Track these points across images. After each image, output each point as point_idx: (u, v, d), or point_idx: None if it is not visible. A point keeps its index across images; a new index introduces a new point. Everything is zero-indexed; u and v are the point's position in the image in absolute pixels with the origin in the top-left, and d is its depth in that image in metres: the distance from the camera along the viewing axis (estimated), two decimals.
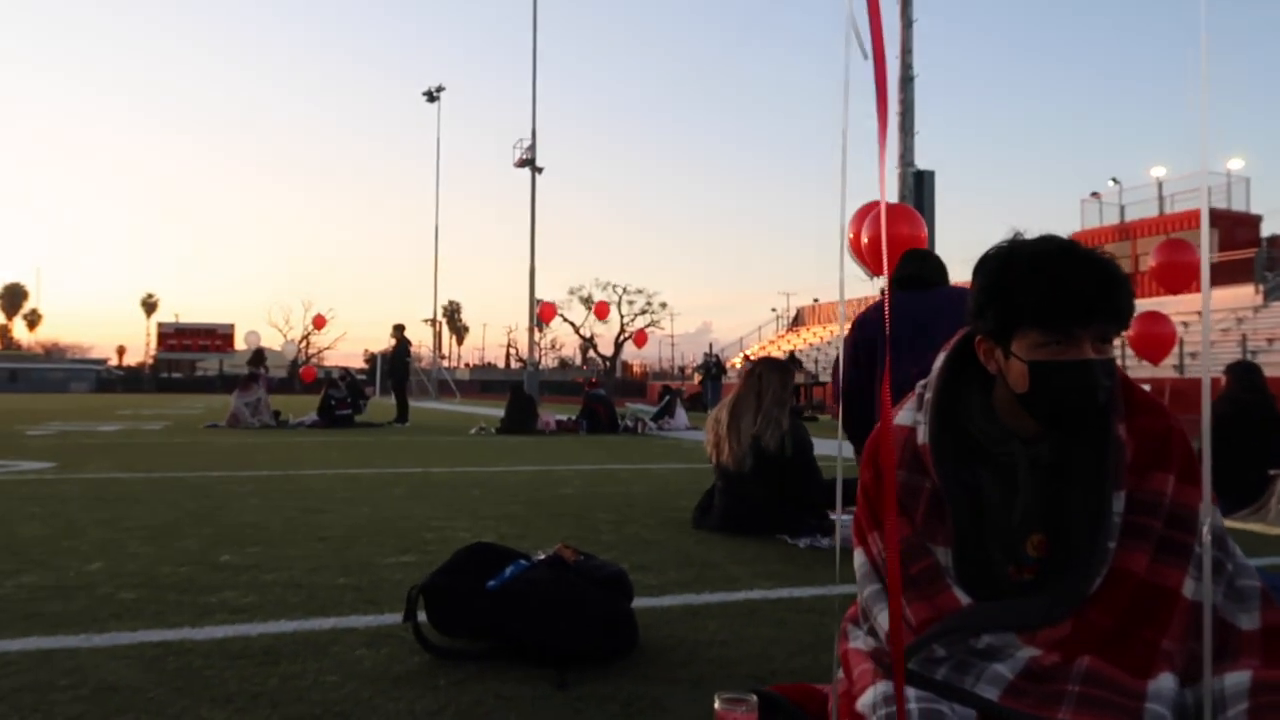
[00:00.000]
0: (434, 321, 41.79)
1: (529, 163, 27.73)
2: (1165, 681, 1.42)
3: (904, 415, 1.73)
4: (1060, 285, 1.50)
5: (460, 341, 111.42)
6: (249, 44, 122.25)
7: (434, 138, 46.36)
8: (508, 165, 29.19)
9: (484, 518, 4.55)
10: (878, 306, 3.62)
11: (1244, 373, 5.09)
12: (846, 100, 1.32)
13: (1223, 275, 24.74)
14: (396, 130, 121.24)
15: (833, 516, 4.32)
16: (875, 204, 8.49)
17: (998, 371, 1.63)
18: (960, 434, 1.66)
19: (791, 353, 29.82)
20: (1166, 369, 17.98)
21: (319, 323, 42.55)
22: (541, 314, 27.00)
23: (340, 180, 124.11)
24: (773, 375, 4.23)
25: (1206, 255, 1.46)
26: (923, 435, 1.67)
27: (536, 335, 28.39)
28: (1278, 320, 21.87)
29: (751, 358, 32.24)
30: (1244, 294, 23.83)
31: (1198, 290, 25.19)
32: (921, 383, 1.76)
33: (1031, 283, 1.53)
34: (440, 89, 40.10)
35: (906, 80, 15.37)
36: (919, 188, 14.90)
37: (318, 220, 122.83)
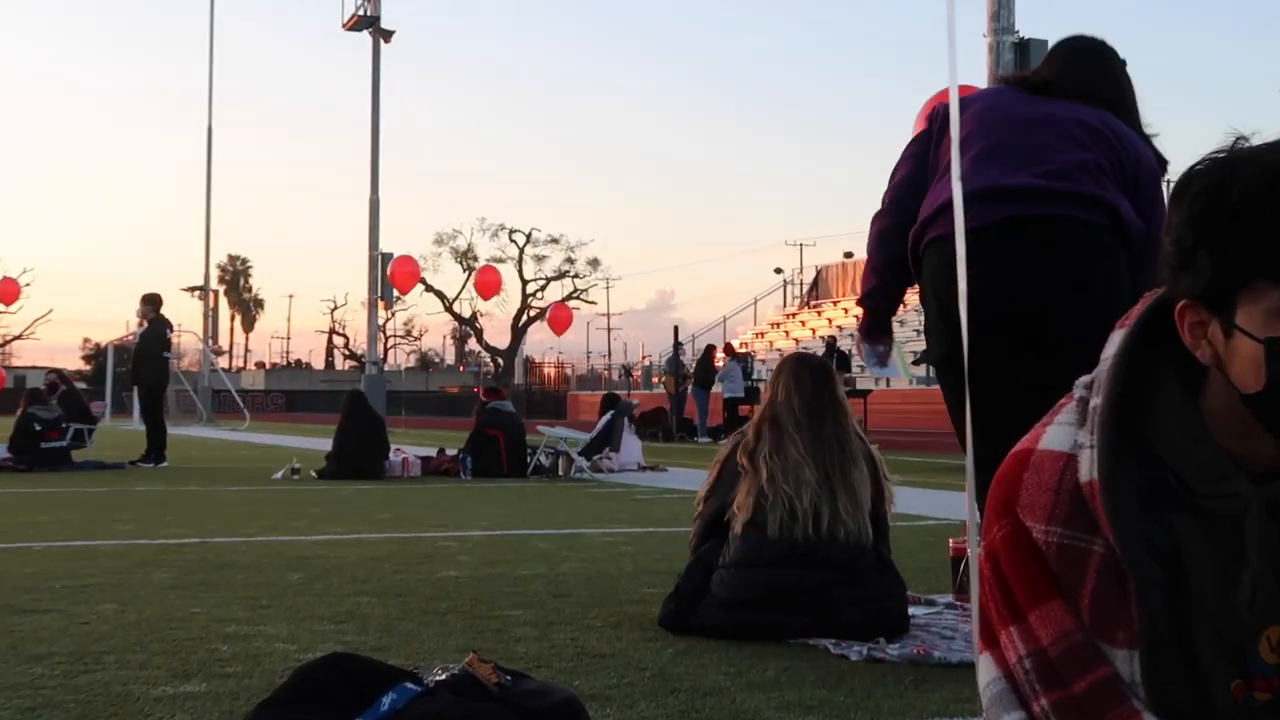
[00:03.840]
0: (206, 292, 41.34)
1: (369, 24, 27.58)
2: None
3: (1056, 435, 1.75)
4: None
5: (249, 326, 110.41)
6: None
7: None
8: (333, 28, 28.86)
9: (314, 618, 4.57)
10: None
11: None
12: None
13: None
14: None
15: (944, 602, 4.44)
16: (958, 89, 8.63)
17: (1213, 359, 1.66)
18: (1151, 464, 1.69)
19: (832, 339, 30.13)
20: None
21: (8, 294, 41.85)
22: (394, 278, 26.91)
23: (40, 53, 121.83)
24: (815, 378, 4.54)
25: None
26: (1089, 467, 1.69)
27: (382, 314, 28.30)
28: None
29: (738, 350, 32.41)
30: None
31: None
32: (1083, 381, 1.79)
33: (1270, 211, 1.56)
34: None
35: None
36: (1022, 64, 15.16)
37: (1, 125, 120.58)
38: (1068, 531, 1.68)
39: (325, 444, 14.66)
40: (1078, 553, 1.67)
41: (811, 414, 4.44)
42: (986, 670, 1.74)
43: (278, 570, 5.87)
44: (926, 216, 3.57)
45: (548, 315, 40.60)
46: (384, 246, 26.61)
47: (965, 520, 6.01)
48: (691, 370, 27.41)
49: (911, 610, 4.45)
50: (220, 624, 4.42)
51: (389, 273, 26.69)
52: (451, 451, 13.99)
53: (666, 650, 4.00)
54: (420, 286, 40.06)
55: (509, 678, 2.35)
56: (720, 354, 27.22)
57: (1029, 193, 3.44)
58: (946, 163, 3.43)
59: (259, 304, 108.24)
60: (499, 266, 65.90)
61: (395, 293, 28.03)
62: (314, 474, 12.90)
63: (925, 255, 3.59)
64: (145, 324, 15.98)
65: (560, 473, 13.48)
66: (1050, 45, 3.86)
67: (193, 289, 42.13)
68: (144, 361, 15.68)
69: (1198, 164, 1.66)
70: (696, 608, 4.32)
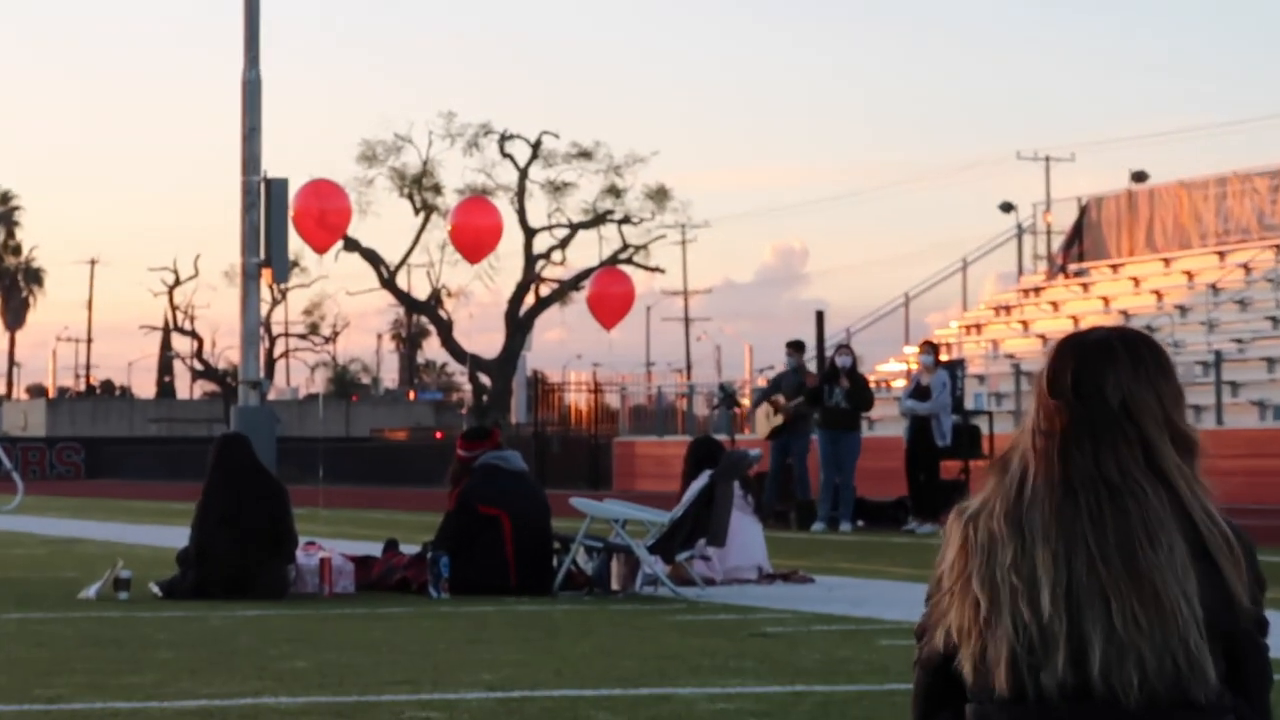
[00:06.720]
0: None
1: None
2: None
3: None
4: None
5: (17, 319, 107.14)
6: None
7: None
8: None
9: None
10: None
11: None
12: None
13: None
14: None
15: None
16: None
17: None
18: None
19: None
20: None
21: None
22: (302, 223, 24.90)
23: None
24: (1078, 360, 3.86)
25: None
26: None
27: (268, 295, 26.07)
28: None
29: (940, 348, 31.38)
30: None
31: None
32: None
33: None
34: None
35: None
36: None
37: None
38: None
39: (171, 535, 15.20)
40: None
41: (1060, 435, 3.81)
42: None
43: None
44: None
45: (587, 291, 38.26)
46: (270, 168, 25.02)
47: None
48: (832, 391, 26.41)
49: None
50: None
51: (292, 212, 25.10)
52: (411, 549, 14.08)
53: None
54: (338, 243, 37.47)
55: None
56: (911, 356, 25.54)
57: None
58: None
59: (35, 278, 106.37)
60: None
61: (295, 255, 25.97)
62: (156, 590, 13.22)
63: None
64: None
65: (617, 586, 13.83)
66: None
67: None
68: None
69: None
70: None
